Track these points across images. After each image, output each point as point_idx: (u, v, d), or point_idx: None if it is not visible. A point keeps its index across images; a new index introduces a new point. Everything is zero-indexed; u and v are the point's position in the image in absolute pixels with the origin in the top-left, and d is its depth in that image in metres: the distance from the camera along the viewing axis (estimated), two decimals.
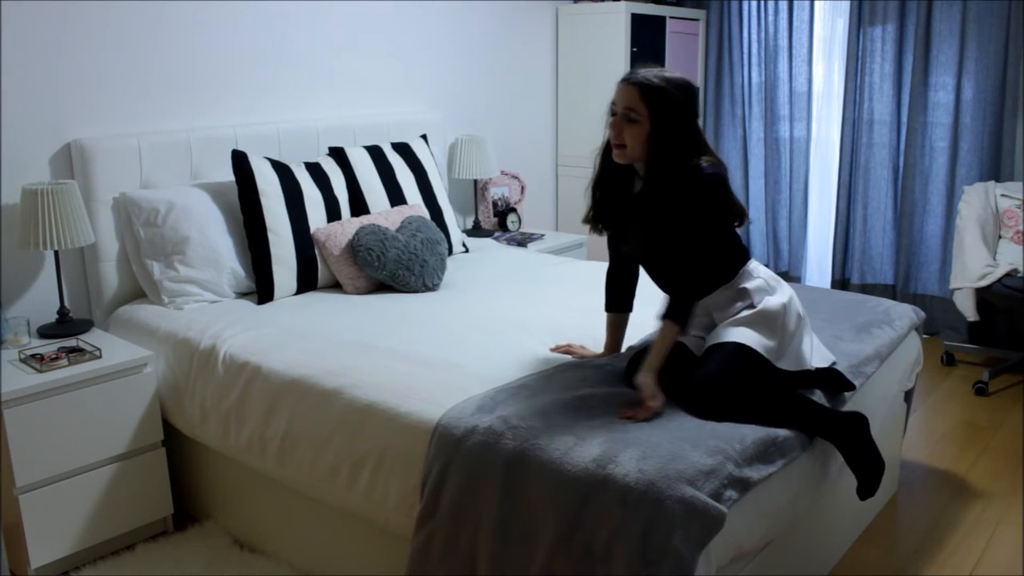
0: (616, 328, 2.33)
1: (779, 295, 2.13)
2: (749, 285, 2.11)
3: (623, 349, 2.31)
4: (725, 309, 2.11)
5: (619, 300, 2.31)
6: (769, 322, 2.06)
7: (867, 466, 2.01)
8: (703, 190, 1.99)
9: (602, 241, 2.30)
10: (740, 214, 2.09)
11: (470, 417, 1.87)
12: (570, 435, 1.77)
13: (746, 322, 2.05)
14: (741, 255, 2.14)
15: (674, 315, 2.04)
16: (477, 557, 1.76)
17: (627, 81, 2.01)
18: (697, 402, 1.92)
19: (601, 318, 2.69)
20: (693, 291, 2.07)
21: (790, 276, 4.88)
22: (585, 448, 1.72)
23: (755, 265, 2.17)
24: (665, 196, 2.00)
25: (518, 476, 1.73)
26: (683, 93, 2.01)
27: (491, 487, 1.75)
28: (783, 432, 1.87)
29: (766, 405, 1.92)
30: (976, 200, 3.85)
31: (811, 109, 4.69)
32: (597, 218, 2.21)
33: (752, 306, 2.08)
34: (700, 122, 2.02)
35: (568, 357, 2.28)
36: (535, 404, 1.91)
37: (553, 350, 2.34)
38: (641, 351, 2.13)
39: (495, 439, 1.79)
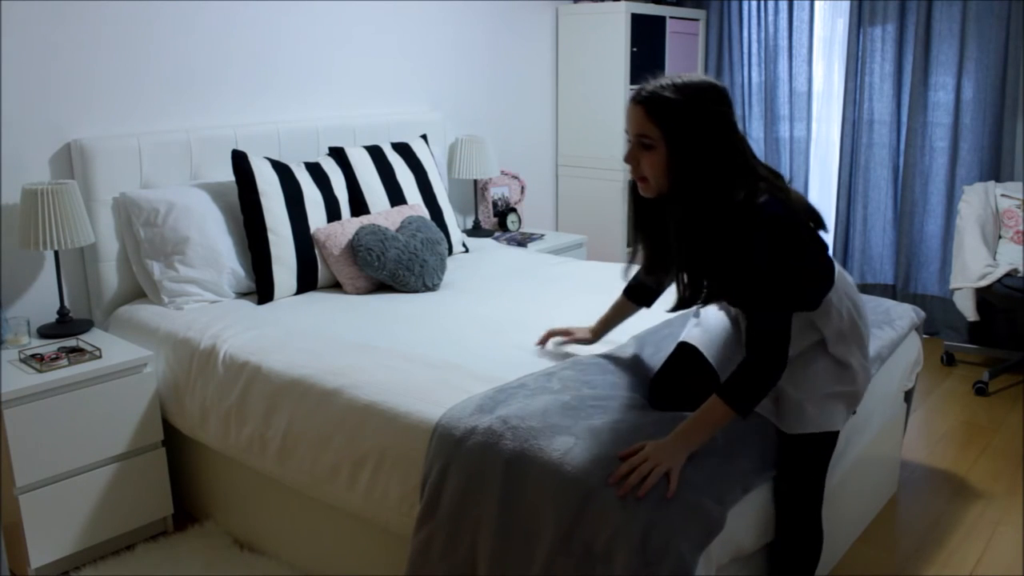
0: (619, 313, 2.13)
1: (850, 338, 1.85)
2: (836, 350, 1.81)
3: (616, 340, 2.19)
4: (804, 382, 1.81)
5: (642, 294, 2.09)
6: (850, 398, 1.86)
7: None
8: (767, 236, 1.61)
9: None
10: (817, 247, 1.78)
11: (470, 417, 1.87)
12: (570, 435, 1.77)
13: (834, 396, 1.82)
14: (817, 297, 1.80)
15: (734, 398, 1.65)
16: (477, 557, 1.76)
17: (634, 100, 1.70)
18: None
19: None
20: (766, 368, 1.65)
21: None
22: (585, 448, 1.72)
23: (834, 298, 1.82)
24: (718, 243, 1.66)
25: (518, 476, 1.73)
26: (702, 100, 1.65)
27: (491, 487, 1.75)
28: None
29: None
30: (976, 200, 3.85)
31: (811, 109, 4.69)
32: (651, 267, 1.88)
33: (841, 375, 1.82)
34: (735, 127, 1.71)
35: (565, 361, 2.28)
36: (535, 404, 1.91)
37: (545, 337, 2.27)
38: (668, 377, 1.93)
39: (495, 439, 1.79)
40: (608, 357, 2.24)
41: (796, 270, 1.68)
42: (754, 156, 1.73)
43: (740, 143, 1.68)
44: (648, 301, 2.08)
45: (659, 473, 1.59)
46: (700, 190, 1.65)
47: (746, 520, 1.73)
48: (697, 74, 1.73)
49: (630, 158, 1.70)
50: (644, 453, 1.62)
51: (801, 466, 1.81)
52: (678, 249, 1.71)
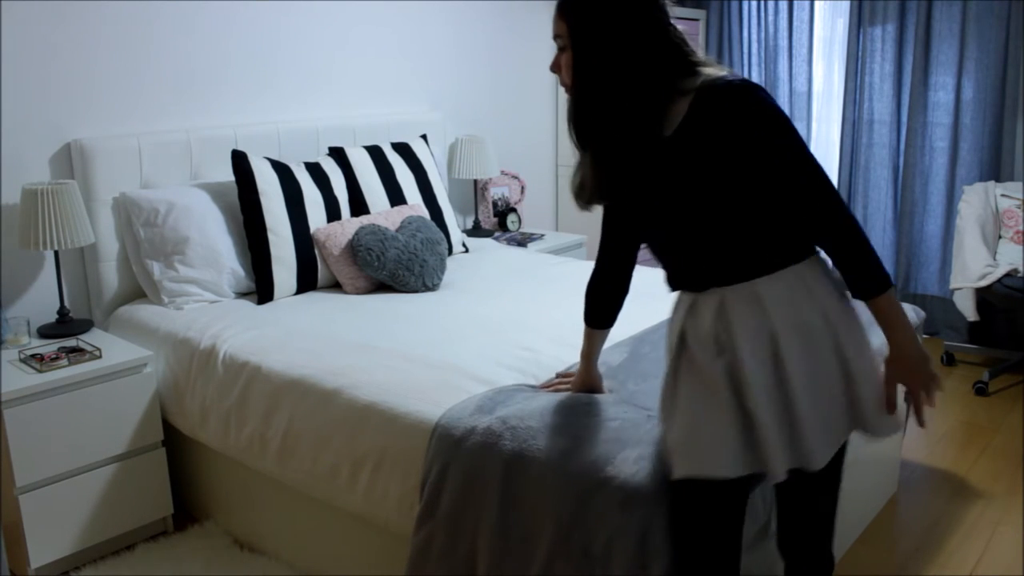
0: (594, 342, 1.89)
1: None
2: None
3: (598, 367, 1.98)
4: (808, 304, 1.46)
5: (605, 310, 1.82)
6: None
7: None
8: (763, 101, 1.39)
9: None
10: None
11: (469, 418, 1.87)
12: (568, 436, 1.77)
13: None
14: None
15: (873, 282, 1.41)
16: (477, 558, 1.76)
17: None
18: None
19: None
20: (856, 228, 1.41)
21: None
22: (584, 449, 1.72)
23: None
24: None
25: (517, 477, 1.73)
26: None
27: (490, 488, 1.75)
28: None
29: None
30: (976, 200, 3.85)
31: (811, 109, 4.69)
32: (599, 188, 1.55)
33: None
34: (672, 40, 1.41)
35: (544, 358, 2.28)
36: (534, 404, 1.91)
37: (545, 386, 2.06)
38: None
39: (494, 440, 1.79)
40: (603, 359, 2.24)
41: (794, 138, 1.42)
42: (693, 56, 1.46)
43: (670, 43, 1.43)
44: (609, 321, 1.84)
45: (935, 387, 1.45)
46: (594, 91, 1.43)
47: (746, 516, 1.73)
48: None
49: (553, 64, 1.50)
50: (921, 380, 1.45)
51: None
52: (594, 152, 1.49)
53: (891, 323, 1.43)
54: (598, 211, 1.77)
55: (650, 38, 1.41)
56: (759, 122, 1.38)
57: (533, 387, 2.06)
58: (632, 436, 1.76)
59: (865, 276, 1.41)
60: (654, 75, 1.41)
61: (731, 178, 1.41)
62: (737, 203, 1.42)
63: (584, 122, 1.47)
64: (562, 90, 4.62)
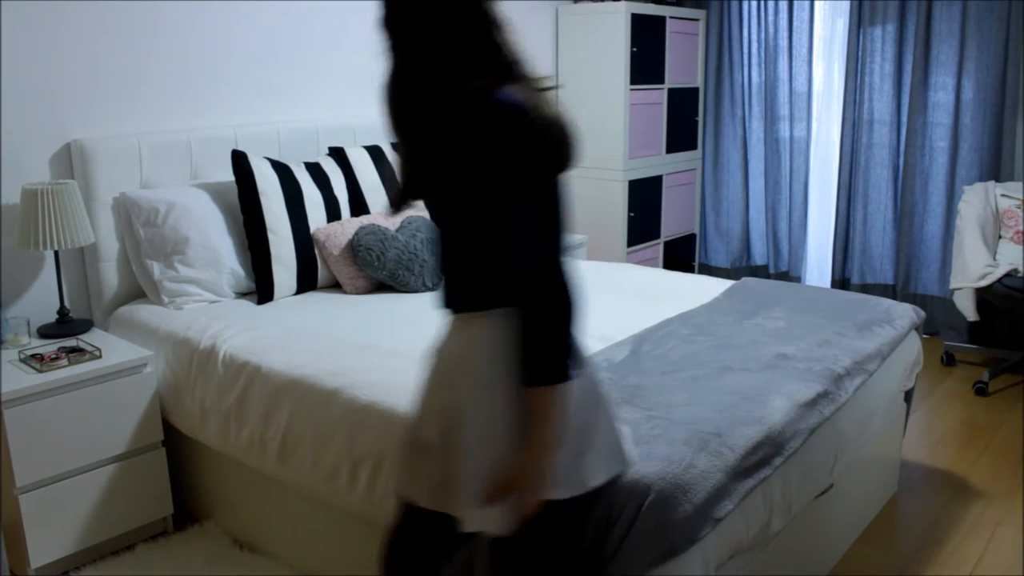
0: None
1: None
2: None
3: None
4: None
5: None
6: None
7: None
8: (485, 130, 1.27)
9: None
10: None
11: None
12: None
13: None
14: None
15: (532, 372, 1.28)
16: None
17: None
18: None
19: (602, 317, 2.69)
20: (544, 308, 1.27)
21: (790, 276, 4.88)
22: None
23: None
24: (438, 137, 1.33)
25: None
26: None
27: None
28: (779, 427, 1.87)
29: None
30: (976, 200, 3.85)
31: (811, 109, 4.69)
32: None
33: None
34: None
35: None
36: None
37: None
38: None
39: None
40: (605, 357, 2.24)
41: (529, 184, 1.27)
42: (516, 62, 1.39)
43: (478, 35, 1.38)
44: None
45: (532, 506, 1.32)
46: (403, 71, 1.34)
47: (745, 516, 1.73)
48: None
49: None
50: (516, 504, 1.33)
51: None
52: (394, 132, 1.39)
53: (532, 423, 1.28)
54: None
55: (455, 25, 1.34)
56: (495, 153, 1.26)
57: None
58: (631, 436, 1.76)
59: (529, 358, 1.27)
60: (445, 71, 1.32)
61: (455, 196, 1.32)
62: (457, 224, 1.34)
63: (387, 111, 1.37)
64: (562, 90, 4.64)
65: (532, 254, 1.27)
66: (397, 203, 1.42)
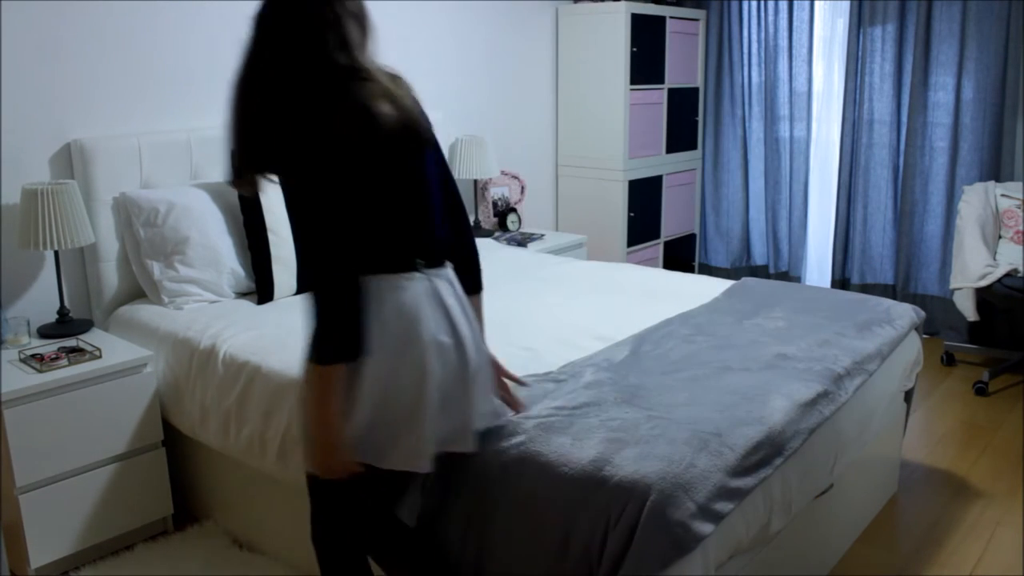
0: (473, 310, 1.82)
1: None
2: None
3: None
4: None
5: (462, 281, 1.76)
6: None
7: None
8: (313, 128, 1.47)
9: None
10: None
11: None
12: (567, 436, 1.77)
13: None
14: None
15: (312, 349, 1.48)
16: (477, 558, 1.76)
17: None
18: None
19: (603, 317, 2.69)
20: (320, 300, 1.47)
21: (790, 276, 4.88)
22: (582, 449, 1.72)
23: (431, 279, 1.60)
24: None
25: (516, 477, 1.73)
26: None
27: (489, 489, 1.75)
28: (779, 427, 1.87)
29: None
30: (976, 200, 3.85)
31: (811, 109, 4.69)
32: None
33: None
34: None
35: (544, 358, 2.28)
36: (531, 406, 1.91)
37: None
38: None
39: (493, 442, 1.79)
40: (606, 357, 2.24)
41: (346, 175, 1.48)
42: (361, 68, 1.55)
43: (332, 37, 1.52)
44: (469, 285, 1.80)
45: (334, 468, 1.54)
46: (263, 60, 1.57)
47: (745, 515, 1.73)
48: None
49: None
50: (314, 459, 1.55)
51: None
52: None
53: (308, 391, 1.52)
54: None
55: (314, 34, 1.51)
56: (307, 147, 1.46)
57: (534, 378, 2.06)
58: (631, 436, 1.76)
59: (310, 338, 1.47)
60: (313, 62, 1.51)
61: (285, 175, 1.53)
62: (288, 209, 1.54)
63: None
64: (562, 90, 4.64)
65: (324, 247, 1.46)
66: (237, 175, 1.60)
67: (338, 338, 1.47)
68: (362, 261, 1.52)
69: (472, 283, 1.81)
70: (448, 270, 1.68)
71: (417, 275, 1.58)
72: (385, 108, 1.52)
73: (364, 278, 1.52)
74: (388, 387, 1.54)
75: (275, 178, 1.57)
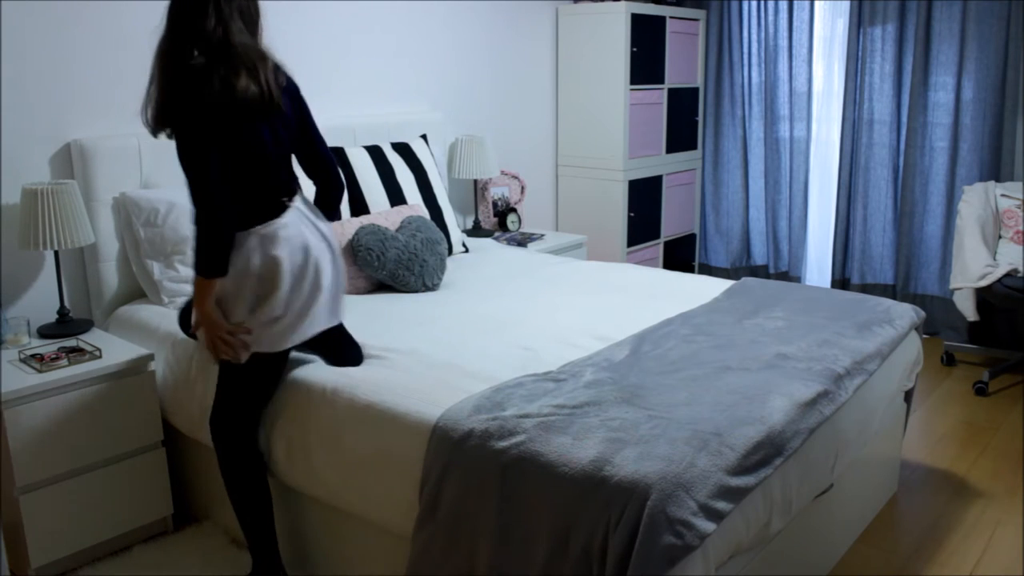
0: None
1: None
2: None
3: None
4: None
5: (320, 202, 2.30)
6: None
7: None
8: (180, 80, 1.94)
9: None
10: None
11: (467, 419, 1.87)
12: (566, 435, 1.77)
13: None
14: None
15: (194, 266, 1.98)
16: (477, 558, 1.76)
17: None
18: None
19: (602, 317, 2.70)
20: (197, 220, 1.94)
21: (790, 276, 4.88)
22: (582, 448, 1.72)
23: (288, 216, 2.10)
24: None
25: (516, 477, 1.73)
26: None
27: (489, 488, 1.75)
28: (779, 427, 1.87)
29: None
30: (976, 200, 3.85)
31: (811, 109, 4.70)
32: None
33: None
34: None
35: (544, 358, 2.28)
36: (532, 404, 1.91)
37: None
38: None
39: (493, 440, 1.79)
40: (606, 357, 2.24)
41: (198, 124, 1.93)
42: (231, 44, 1.97)
43: (206, 22, 1.94)
44: (326, 209, 2.28)
45: (219, 344, 2.05)
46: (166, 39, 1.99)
47: (745, 515, 1.73)
48: None
49: None
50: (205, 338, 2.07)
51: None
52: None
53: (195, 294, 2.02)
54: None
55: (191, 21, 1.95)
56: (182, 107, 1.94)
57: (533, 377, 2.06)
58: (631, 435, 1.76)
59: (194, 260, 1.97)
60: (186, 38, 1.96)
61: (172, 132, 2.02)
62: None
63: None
64: (562, 90, 4.64)
65: (193, 185, 1.93)
66: (152, 127, 2.02)
67: (213, 259, 1.95)
68: (231, 201, 1.99)
69: (330, 211, 2.27)
70: (299, 202, 2.16)
71: (282, 212, 2.09)
72: (241, 82, 1.95)
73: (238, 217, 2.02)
74: (257, 296, 2.05)
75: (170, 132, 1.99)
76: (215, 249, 1.94)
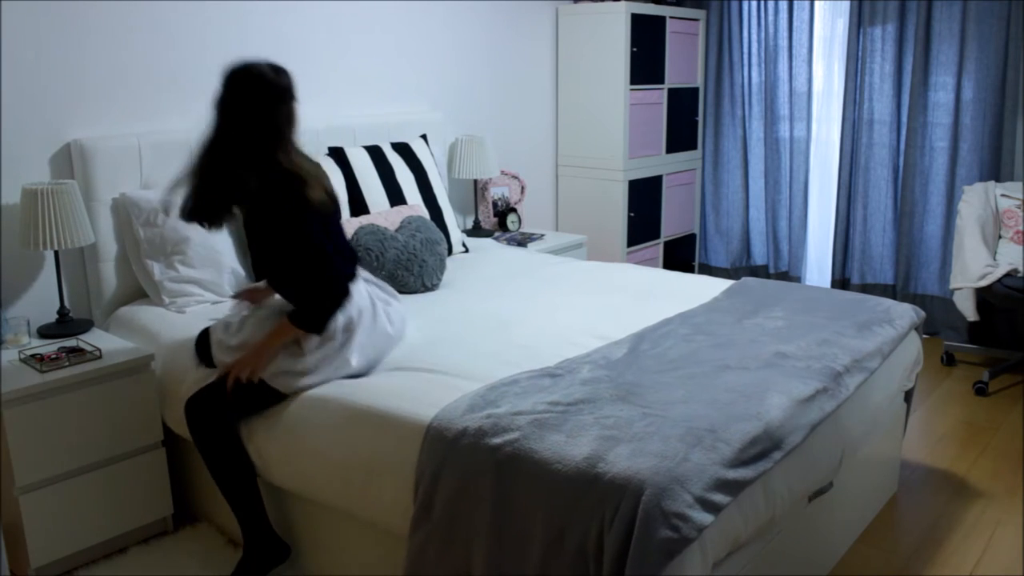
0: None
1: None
2: None
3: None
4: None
5: None
6: None
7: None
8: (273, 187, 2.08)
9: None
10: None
11: (461, 418, 1.87)
12: (560, 433, 1.77)
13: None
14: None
15: (298, 321, 2.14)
16: (473, 559, 1.76)
17: None
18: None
19: (602, 316, 2.70)
20: (317, 299, 2.11)
21: (790, 276, 4.88)
22: (575, 446, 1.72)
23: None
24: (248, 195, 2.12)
25: (510, 476, 1.73)
26: (229, 83, 2.13)
27: (483, 488, 1.75)
28: (777, 423, 1.87)
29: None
30: (976, 200, 3.85)
31: (811, 109, 4.69)
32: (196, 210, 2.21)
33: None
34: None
35: (542, 357, 2.28)
36: (525, 402, 1.91)
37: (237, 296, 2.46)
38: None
39: (486, 439, 1.79)
40: (603, 355, 2.24)
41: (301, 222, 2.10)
42: (289, 148, 2.13)
43: (265, 128, 2.09)
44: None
45: (245, 374, 2.16)
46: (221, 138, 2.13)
47: (743, 510, 1.73)
48: (253, 62, 2.13)
49: None
50: (237, 362, 2.19)
51: None
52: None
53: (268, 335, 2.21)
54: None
55: (248, 122, 2.09)
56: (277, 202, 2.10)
57: (529, 374, 2.06)
58: (625, 433, 1.76)
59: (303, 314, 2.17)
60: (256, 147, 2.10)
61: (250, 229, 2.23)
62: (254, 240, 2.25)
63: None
64: (562, 90, 4.64)
65: (313, 252, 2.10)
66: (187, 217, 2.20)
67: (328, 318, 2.14)
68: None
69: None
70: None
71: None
72: (317, 194, 2.12)
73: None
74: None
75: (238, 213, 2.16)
76: (333, 310, 2.12)
